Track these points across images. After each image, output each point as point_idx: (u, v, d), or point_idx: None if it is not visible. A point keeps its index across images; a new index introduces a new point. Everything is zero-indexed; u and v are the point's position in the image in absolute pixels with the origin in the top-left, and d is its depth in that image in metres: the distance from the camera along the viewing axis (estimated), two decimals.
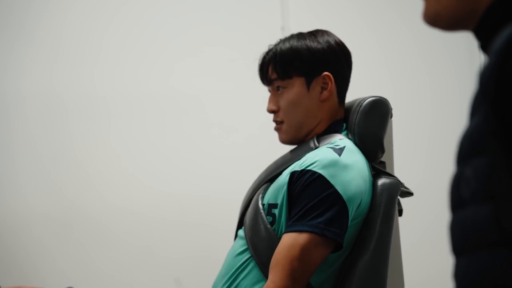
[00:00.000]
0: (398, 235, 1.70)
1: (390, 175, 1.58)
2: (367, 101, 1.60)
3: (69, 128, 2.91)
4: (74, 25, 2.96)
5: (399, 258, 1.70)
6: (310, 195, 1.43)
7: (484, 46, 0.77)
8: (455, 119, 3.21)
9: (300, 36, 1.64)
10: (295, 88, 1.60)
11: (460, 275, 0.70)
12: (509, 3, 0.73)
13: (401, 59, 3.21)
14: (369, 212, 1.51)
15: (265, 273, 1.48)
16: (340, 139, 1.55)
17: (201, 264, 2.86)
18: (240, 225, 1.66)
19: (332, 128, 1.62)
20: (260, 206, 1.53)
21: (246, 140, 3.00)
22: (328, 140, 1.56)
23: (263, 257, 1.49)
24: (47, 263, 2.83)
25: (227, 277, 1.55)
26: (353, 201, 1.45)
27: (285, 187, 1.49)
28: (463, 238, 0.69)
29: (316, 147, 1.54)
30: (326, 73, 1.60)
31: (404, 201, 1.69)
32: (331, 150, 1.49)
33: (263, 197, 1.56)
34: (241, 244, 1.56)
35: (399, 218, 1.70)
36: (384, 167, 1.69)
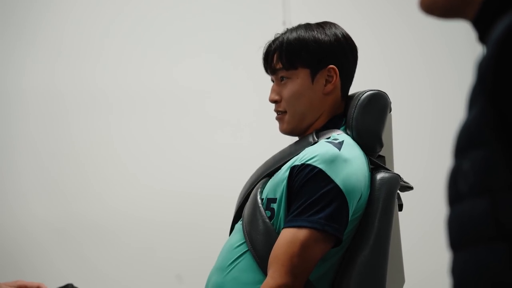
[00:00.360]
0: (398, 230, 1.69)
1: (388, 169, 1.57)
2: (365, 94, 1.59)
3: (70, 126, 2.90)
4: (76, 22, 2.96)
5: (399, 254, 1.69)
6: (310, 190, 1.42)
7: (482, 37, 0.76)
8: (456, 113, 3.19)
9: (307, 27, 1.62)
10: (300, 79, 1.59)
11: (457, 271, 0.69)
12: None
13: (401, 54, 3.20)
14: (368, 207, 1.50)
15: (261, 267, 1.47)
16: (338, 134, 1.54)
17: (202, 262, 2.84)
18: (236, 219, 1.65)
19: (332, 123, 1.61)
20: (259, 200, 1.52)
21: (248, 138, 2.99)
22: (327, 135, 1.55)
23: (261, 251, 1.47)
24: (47, 262, 2.82)
25: (222, 269, 1.53)
26: (353, 195, 1.44)
27: (285, 181, 1.48)
28: (460, 233, 0.68)
29: (315, 142, 1.53)
30: (331, 66, 1.59)
31: (404, 196, 1.68)
32: (330, 144, 1.48)
33: (261, 192, 1.54)
34: (238, 238, 1.54)
35: (400, 213, 1.69)
36: (384, 161, 1.67)
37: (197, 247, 2.90)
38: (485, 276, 0.64)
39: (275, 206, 1.49)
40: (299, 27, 1.63)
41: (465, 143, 0.69)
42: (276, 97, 1.62)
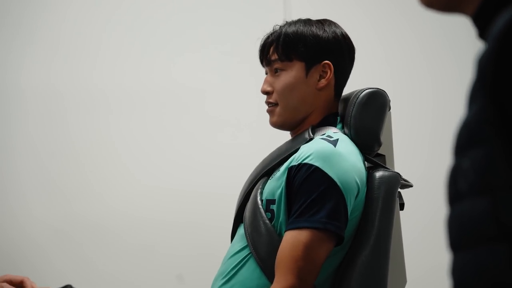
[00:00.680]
0: (399, 230, 1.67)
1: (387, 168, 1.56)
2: (364, 92, 1.57)
3: (69, 125, 2.90)
4: (74, 20, 2.95)
5: (401, 253, 1.67)
6: (309, 190, 1.41)
7: (483, 34, 0.74)
8: (457, 112, 3.18)
9: (307, 22, 1.62)
10: (294, 72, 1.58)
11: (457, 272, 0.67)
12: None
13: (403, 52, 3.19)
14: (367, 206, 1.48)
15: (264, 271, 1.46)
16: (334, 132, 1.53)
17: (203, 261, 2.84)
18: (237, 220, 1.63)
19: (327, 121, 1.59)
20: (259, 201, 1.51)
21: (248, 136, 2.98)
22: (322, 132, 1.54)
23: (263, 254, 1.46)
24: (47, 262, 2.81)
25: (225, 273, 1.52)
26: (350, 191, 1.43)
27: (283, 183, 1.47)
28: (460, 233, 0.67)
29: (311, 138, 1.51)
30: (326, 61, 1.58)
31: (405, 195, 1.66)
32: (325, 141, 1.47)
33: (261, 192, 1.53)
34: (240, 242, 1.53)
35: (401, 212, 1.67)
36: (384, 160, 1.66)
37: (198, 246, 2.89)
38: (485, 277, 0.63)
39: (274, 207, 1.48)
40: (299, 21, 1.62)
41: (465, 141, 0.67)
42: (268, 88, 1.61)
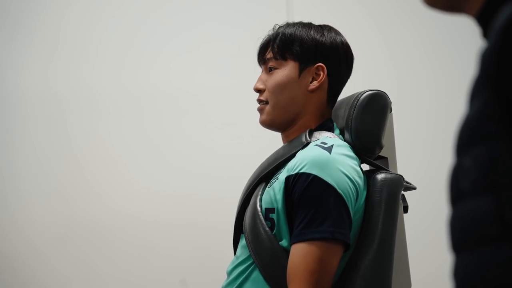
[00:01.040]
0: (403, 233, 1.66)
1: (388, 170, 1.54)
2: (364, 95, 1.56)
3: (67, 126, 2.89)
4: (72, 23, 2.95)
5: (405, 256, 1.66)
6: (311, 200, 1.39)
7: (487, 33, 0.72)
8: (460, 113, 3.17)
9: (306, 24, 1.62)
10: (287, 71, 1.57)
11: (460, 274, 0.65)
12: None
13: (406, 53, 3.18)
14: (370, 209, 1.47)
15: (266, 277, 1.45)
16: (331, 138, 1.51)
17: (206, 264, 2.83)
18: (237, 226, 1.61)
19: (325, 125, 1.58)
20: (258, 208, 1.49)
21: (247, 138, 2.96)
22: (318, 136, 1.53)
23: (264, 259, 1.45)
24: (48, 266, 2.81)
25: (231, 285, 1.51)
26: (350, 196, 1.42)
27: (282, 193, 1.45)
28: (463, 233, 0.65)
29: (308, 142, 1.50)
30: (320, 64, 1.57)
31: (408, 197, 1.65)
32: (319, 148, 1.45)
33: (261, 199, 1.51)
34: (243, 254, 1.52)
35: (404, 215, 1.66)
36: (387, 162, 1.64)
37: (201, 249, 2.88)
38: (489, 278, 0.61)
39: (274, 216, 1.46)
40: (299, 23, 1.62)
41: (467, 139, 0.66)
42: (261, 86, 1.61)
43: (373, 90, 1.58)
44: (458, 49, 3.18)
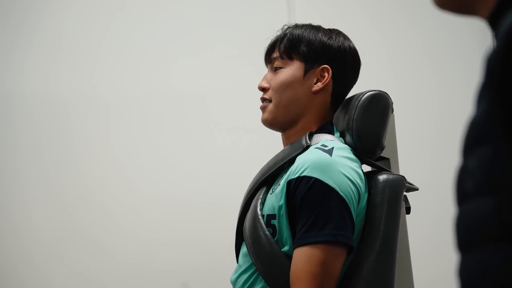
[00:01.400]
0: (406, 234, 1.65)
1: (389, 171, 1.54)
2: (366, 95, 1.55)
3: (68, 129, 2.89)
4: (74, 25, 2.95)
5: (408, 258, 1.65)
6: (313, 203, 1.39)
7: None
8: (462, 114, 3.16)
9: (315, 27, 1.63)
10: (292, 70, 1.58)
11: (464, 273, 0.67)
12: None
13: (407, 54, 3.17)
14: (372, 211, 1.46)
15: (268, 282, 1.44)
16: (331, 140, 1.50)
17: (208, 269, 2.82)
18: (239, 231, 1.60)
19: (325, 128, 1.58)
20: (259, 211, 1.48)
21: (250, 141, 2.96)
22: (318, 139, 1.52)
23: (265, 264, 1.44)
24: (49, 270, 2.80)
25: None
26: (352, 198, 1.41)
27: (283, 197, 1.44)
28: (467, 234, 0.66)
29: (308, 145, 1.49)
30: (326, 66, 1.57)
31: (411, 198, 1.65)
32: (320, 151, 1.44)
33: (262, 202, 1.50)
34: (245, 261, 1.51)
35: (407, 216, 1.65)
36: (389, 163, 1.64)
37: (203, 254, 2.87)
38: (491, 278, 0.62)
39: (276, 222, 1.46)
40: (308, 25, 1.63)
41: (472, 140, 0.67)
42: (265, 85, 1.62)
43: (375, 90, 1.58)
44: (459, 49, 3.18)
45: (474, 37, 3.12)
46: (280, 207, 1.44)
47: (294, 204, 1.42)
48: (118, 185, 2.88)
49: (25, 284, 2.78)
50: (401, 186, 1.51)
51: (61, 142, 2.87)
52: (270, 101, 1.60)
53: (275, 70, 1.61)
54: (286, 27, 1.64)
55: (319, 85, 1.57)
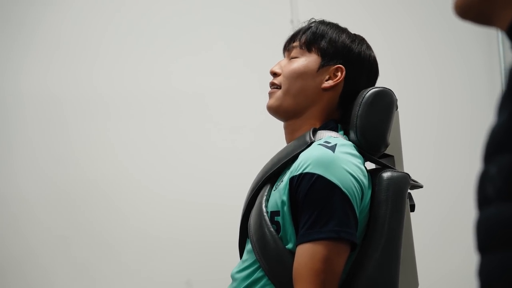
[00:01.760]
0: (410, 232, 1.65)
1: (394, 168, 1.53)
2: (370, 92, 1.55)
3: (68, 129, 2.90)
4: (72, 24, 2.95)
5: (412, 256, 1.65)
6: (316, 200, 1.38)
7: None
8: (464, 111, 3.16)
9: (341, 28, 1.64)
10: (307, 62, 1.58)
11: (484, 274, 0.69)
12: None
13: (409, 51, 3.17)
14: (376, 208, 1.45)
15: (272, 280, 1.43)
16: (334, 137, 1.50)
17: (212, 267, 2.82)
18: (243, 228, 1.60)
19: (329, 125, 1.57)
20: (264, 208, 1.48)
21: (250, 141, 2.96)
22: (322, 135, 1.52)
23: (270, 261, 1.44)
24: (51, 271, 2.80)
25: None
26: (356, 195, 1.40)
27: (287, 194, 1.44)
28: (487, 235, 0.69)
29: (312, 141, 1.49)
30: (341, 66, 1.58)
31: (415, 196, 1.64)
32: (323, 147, 1.43)
33: (267, 199, 1.50)
34: (249, 258, 1.51)
35: (411, 213, 1.65)
36: (393, 161, 1.63)
37: (206, 253, 2.87)
38: (510, 279, 0.65)
39: (279, 219, 1.45)
40: (335, 24, 1.65)
41: (493, 148, 0.70)
42: (278, 70, 1.62)
43: (379, 87, 1.57)
44: (461, 47, 3.18)
45: (477, 35, 3.12)
46: (283, 204, 1.44)
47: (297, 201, 1.42)
48: (119, 184, 2.88)
49: (30, 283, 2.79)
50: (405, 183, 1.51)
51: (60, 142, 2.88)
52: (278, 87, 1.60)
53: (290, 59, 1.61)
54: (312, 20, 1.65)
55: (330, 82, 1.57)
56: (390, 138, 1.57)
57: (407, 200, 1.55)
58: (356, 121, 1.52)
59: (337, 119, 1.60)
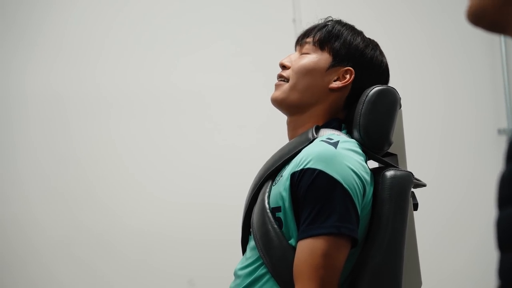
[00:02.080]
0: (413, 231, 1.64)
1: (397, 167, 1.52)
2: (373, 90, 1.54)
3: (71, 128, 2.90)
4: (76, 24, 2.95)
5: (415, 255, 1.64)
6: (317, 195, 1.37)
7: None
8: (469, 110, 3.15)
9: (357, 31, 1.63)
10: (318, 59, 1.58)
11: (503, 272, 0.69)
12: None
13: (413, 50, 3.16)
14: (379, 207, 1.45)
15: (275, 276, 1.43)
16: (337, 134, 1.50)
17: (214, 266, 2.82)
18: (245, 225, 1.59)
19: (332, 124, 1.57)
20: (267, 205, 1.47)
21: (253, 140, 2.95)
22: (324, 133, 1.51)
23: (273, 258, 1.43)
24: (52, 270, 2.80)
25: (238, 286, 1.49)
26: (357, 191, 1.40)
27: (288, 189, 1.43)
28: (508, 234, 0.68)
29: (314, 138, 1.48)
30: (351, 68, 1.57)
31: (418, 195, 1.63)
32: (325, 143, 1.43)
33: (269, 196, 1.49)
34: (252, 255, 1.50)
35: (415, 212, 1.64)
36: (396, 159, 1.62)
37: (208, 251, 2.86)
38: None
39: (281, 215, 1.45)
40: (351, 26, 1.64)
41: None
42: (287, 63, 1.61)
43: (382, 85, 1.56)
44: (465, 45, 3.17)
45: (480, 35, 3.11)
46: (284, 200, 1.43)
47: (298, 197, 1.41)
48: (121, 183, 2.88)
49: (32, 282, 2.78)
50: (408, 182, 1.50)
51: (63, 141, 2.88)
52: (286, 80, 1.59)
53: (302, 54, 1.60)
54: (329, 18, 1.65)
55: (338, 83, 1.56)
56: (394, 137, 1.57)
57: (411, 199, 1.55)
58: (359, 119, 1.51)
59: (341, 119, 1.60)
